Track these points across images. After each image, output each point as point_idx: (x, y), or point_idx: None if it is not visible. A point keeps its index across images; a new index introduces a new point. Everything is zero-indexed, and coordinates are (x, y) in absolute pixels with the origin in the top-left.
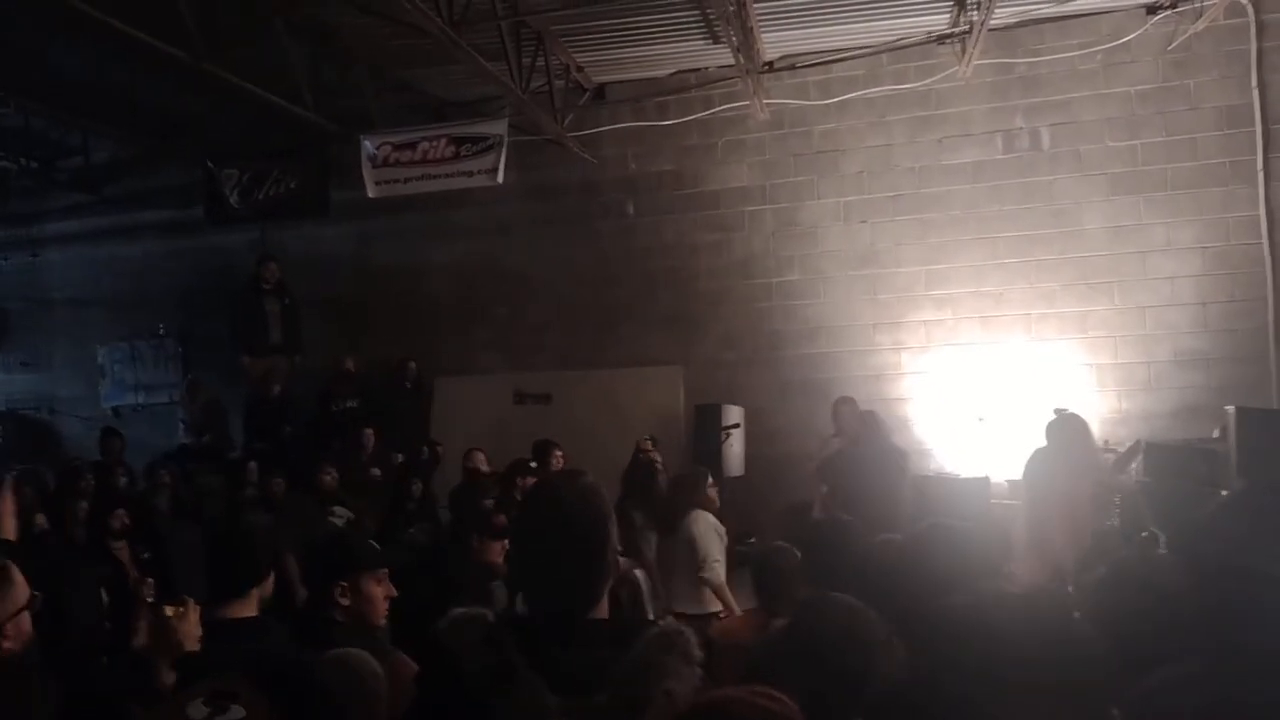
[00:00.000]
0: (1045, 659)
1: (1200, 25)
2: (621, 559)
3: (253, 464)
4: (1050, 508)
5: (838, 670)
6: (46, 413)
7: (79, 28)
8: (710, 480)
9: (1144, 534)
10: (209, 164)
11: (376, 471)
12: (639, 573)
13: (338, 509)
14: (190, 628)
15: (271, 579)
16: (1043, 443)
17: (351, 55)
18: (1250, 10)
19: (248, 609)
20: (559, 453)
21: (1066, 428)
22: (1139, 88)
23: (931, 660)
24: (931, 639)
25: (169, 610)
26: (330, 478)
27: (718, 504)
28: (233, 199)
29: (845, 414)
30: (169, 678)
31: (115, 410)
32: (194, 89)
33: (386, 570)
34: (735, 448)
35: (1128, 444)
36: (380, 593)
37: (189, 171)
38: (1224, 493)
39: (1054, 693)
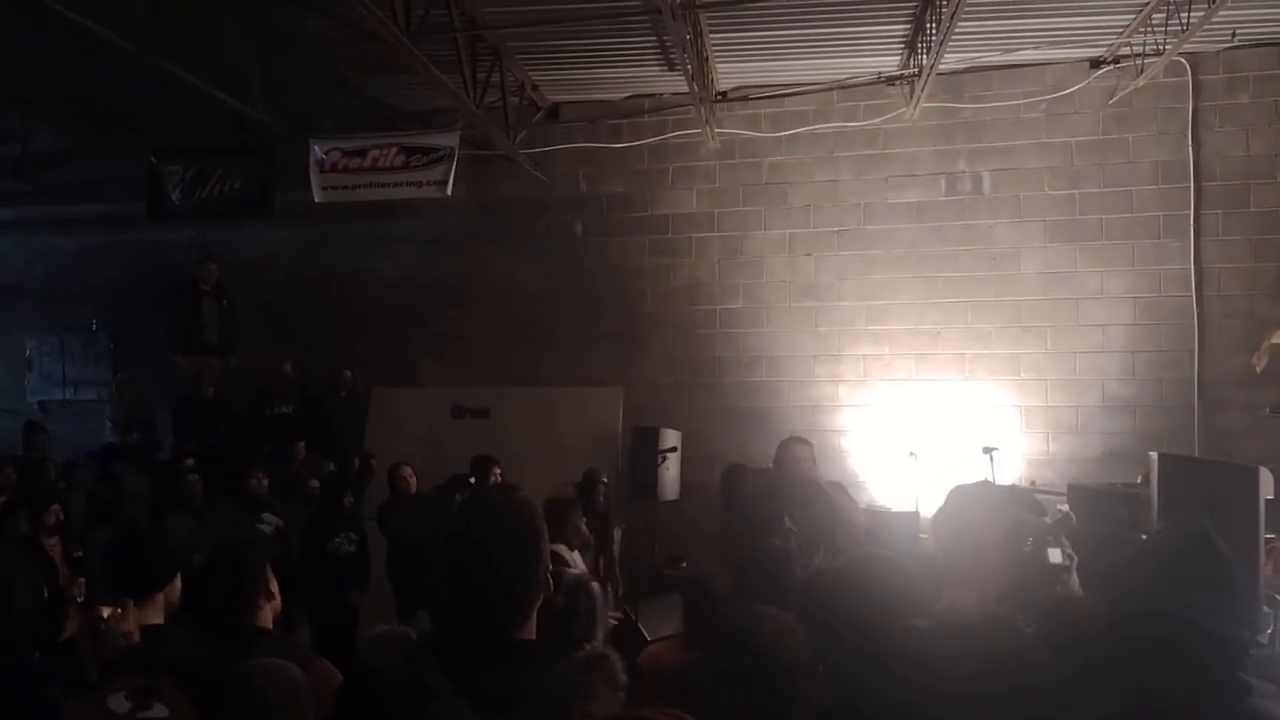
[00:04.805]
0: (985, 689)
1: (1141, 82)
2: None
3: (189, 462)
4: (961, 553)
5: (763, 691)
6: None
7: (24, 12)
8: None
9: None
10: (152, 159)
11: (315, 483)
12: (595, 585)
13: (266, 515)
14: (127, 629)
15: (178, 584)
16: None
17: (305, 58)
18: (1189, 70)
19: (152, 615)
20: (498, 469)
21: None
22: (1079, 139)
23: (861, 688)
24: (862, 667)
25: (105, 611)
26: (259, 483)
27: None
28: (175, 196)
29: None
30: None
31: (42, 405)
32: (141, 82)
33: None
34: (671, 472)
35: (1053, 485)
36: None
37: (131, 165)
38: (1143, 536)
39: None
